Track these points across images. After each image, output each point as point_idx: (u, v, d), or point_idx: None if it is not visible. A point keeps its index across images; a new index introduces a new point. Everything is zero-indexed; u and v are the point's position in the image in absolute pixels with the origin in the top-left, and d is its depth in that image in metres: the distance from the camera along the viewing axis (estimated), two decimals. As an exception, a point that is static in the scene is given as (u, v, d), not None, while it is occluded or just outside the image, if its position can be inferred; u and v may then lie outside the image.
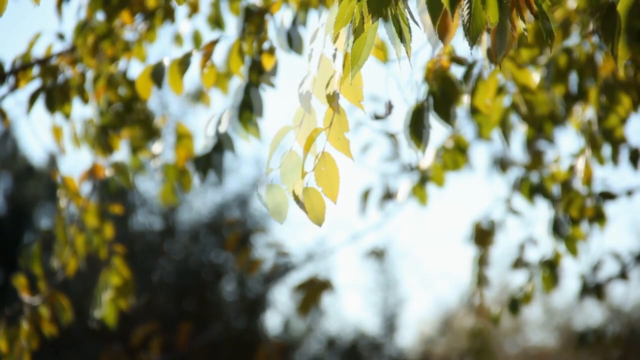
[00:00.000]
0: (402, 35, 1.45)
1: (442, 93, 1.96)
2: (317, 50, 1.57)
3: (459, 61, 2.04)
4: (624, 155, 3.27)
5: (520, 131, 3.64)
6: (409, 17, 1.45)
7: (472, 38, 1.38)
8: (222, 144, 2.52)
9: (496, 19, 1.38)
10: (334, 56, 1.57)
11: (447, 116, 1.95)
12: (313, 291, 3.88)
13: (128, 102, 2.81)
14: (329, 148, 1.58)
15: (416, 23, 1.45)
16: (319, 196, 1.56)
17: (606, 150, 3.04)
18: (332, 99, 1.55)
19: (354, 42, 1.45)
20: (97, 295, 3.14)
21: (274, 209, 1.57)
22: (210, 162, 2.53)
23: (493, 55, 1.44)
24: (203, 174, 2.54)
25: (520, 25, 1.45)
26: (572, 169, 2.96)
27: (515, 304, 3.78)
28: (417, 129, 1.93)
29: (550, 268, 3.57)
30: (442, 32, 1.64)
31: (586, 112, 2.79)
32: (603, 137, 2.65)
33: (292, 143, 1.59)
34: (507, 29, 1.40)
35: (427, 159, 3.24)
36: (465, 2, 1.38)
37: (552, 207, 3.06)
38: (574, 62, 2.51)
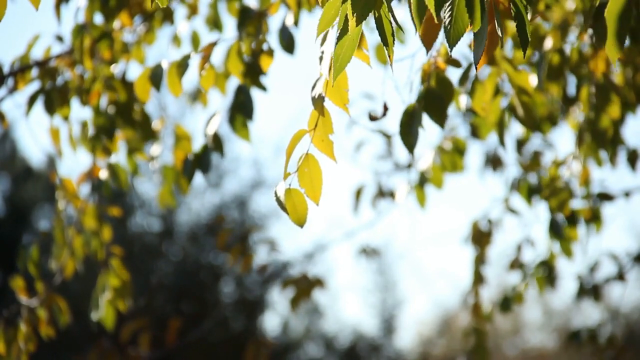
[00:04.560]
0: (386, 39, 1.45)
1: (436, 94, 1.97)
2: (329, 52, 1.57)
3: (454, 63, 2.04)
4: (622, 156, 3.28)
5: (516, 132, 3.64)
6: (392, 20, 1.45)
7: (452, 42, 1.38)
8: (210, 145, 2.52)
9: (479, 24, 1.37)
10: (320, 58, 1.57)
11: (440, 117, 1.96)
12: (304, 287, 3.91)
13: (124, 104, 2.80)
14: (313, 150, 1.58)
15: (399, 27, 1.45)
16: (302, 197, 1.57)
17: (604, 151, 3.04)
18: (318, 101, 1.56)
19: (337, 43, 1.45)
20: (95, 297, 3.14)
21: (293, 213, 1.56)
22: (197, 163, 2.53)
23: (474, 58, 1.43)
24: (190, 175, 2.54)
25: (504, 28, 1.45)
26: (558, 165, 2.96)
27: (507, 303, 3.78)
28: (409, 129, 1.94)
29: (547, 269, 3.58)
30: (428, 36, 1.64)
31: (580, 113, 2.80)
32: (594, 139, 2.66)
33: (308, 146, 1.59)
34: (485, 35, 1.40)
35: (425, 160, 3.24)
36: (448, 5, 1.38)
37: (550, 210, 3.07)
38: (567, 62, 2.51)
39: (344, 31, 1.44)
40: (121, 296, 3.11)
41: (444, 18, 1.38)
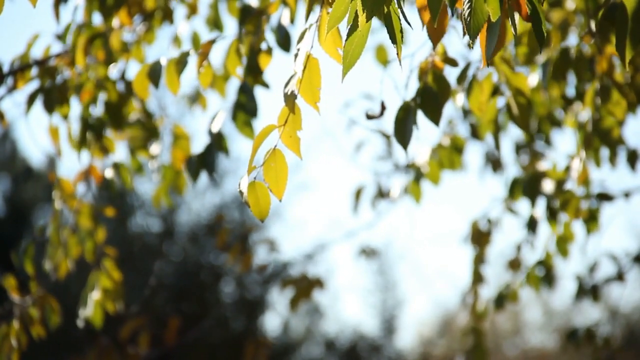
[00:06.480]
0: (394, 36, 1.46)
1: (432, 92, 1.98)
2: (304, 50, 1.59)
3: (452, 62, 2.05)
4: (622, 156, 3.28)
5: (515, 132, 3.64)
6: (401, 17, 1.45)
7: (473, 33, 1.39)
8: (214, 144, 2.52)
9: (498, 14, 1.38)
10: (295, 56, 1.59)
11: (435, 115, 1.97)
12: (304, 287, 3.92)
13: (114, 105, 2.80)
14: (281, 146, 1.60)
15: (408, 23, 1.46)
16: (265, 191, 1.58)
17: (604, 151, 3.04)
18: (289, 98, 1.57)
19: (346, 40, 1.46)
20: (84, 296, 3.14)
21: (255, 206, 1.58)
22: (202, 162, 2.53)
23: (483, 55, 1.43)
24: (195, 175, 2.54)
25: (510, 26, 1.46)
26: (568, 169, 2.97)
27: (501, 300, 3.79)
28: (404, 126, 1.95)
29: (545, 269, 3.59)
30: (437, 33, 1.65)
31: (583, 113, 2.80)
32: (600, 139, 2.66)
33: (277, 141, 1.60)
34: (498, 29, 1.41)
35: (422, 155, 3.24)
36: None
37: (532, 206, 3.09)
38: (571, 63, 2.51)
39: (353, 27, 1.45)
40: (112, 297, 3.10)
41: (463, 10, 1.38)
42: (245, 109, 2.40)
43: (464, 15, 1.39)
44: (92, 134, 2.85)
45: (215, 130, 2.51)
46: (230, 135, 10.04)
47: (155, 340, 4.22)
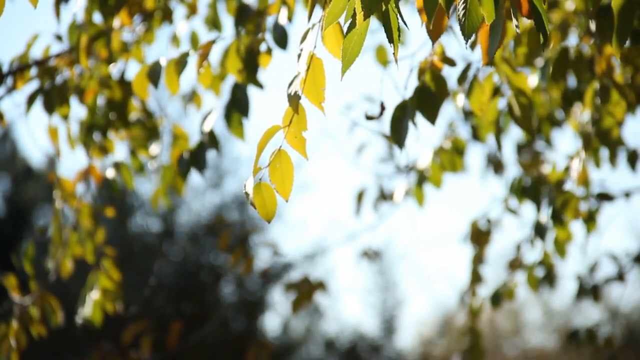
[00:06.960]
0: (391, 34, 1.46)
1: (430, 91, 1.98)
2: (307, 50, 1.58)
3: (450, 62, 2.04)
4: (622, 157, 3.28)
5: (516, 133, 3.64)
6: (398, 17, 1.45)
7: (467, 35, 1.39)
8: (206, 142, 2.52)
9: (492, 17, 1.38)
10: (298, 56, 1.58)
11: (432, 114, 1.97)
12: (306, 290, 3.92)
13: (119, 103, 2.80)
14: (286, 146, 1.60)
15: (405, 23, 1.45)
16: (271, 192, 1.58)
17: (604, 152, 3.04)
18: (293, 98, 1.56)
19: (345, 38, 1.46)
20: (83, 295, 3.14)
21: (262, 207, 1.57)
22: (192, 160, 2.52)
23: (485, 54, 1.43)
24: (185, 172, 2.53)
25: (514, 25, 1.45)
26: (567, 170, 2.97)
27: (497, 298, 3.78)
28: (399, 125, 1.95)
29: (545, 269, 3.58)
30: (435, 31, 1.65)
31: (584, 114, 2.80)
32: (600, 139, 2.66)
33: (282, 142, 1.60)
34: (500, 28, 1.41)
35: (424, 159, 3.24)
36: None
37: (537, 211, 3.09)
38: (570, 63, 2.51)
39: (352, 25, 1.44)
40: (111, 297, 3.10)
41: (458, 11, 1.38)
42: (238, 108, 2.39)
43: (459, 16, 1.39)
44: (96, 133, 2.85)
45: (207, 128, 2.50)
46: (230, 135, 10.02)
47: (156, 342, 4.22)
